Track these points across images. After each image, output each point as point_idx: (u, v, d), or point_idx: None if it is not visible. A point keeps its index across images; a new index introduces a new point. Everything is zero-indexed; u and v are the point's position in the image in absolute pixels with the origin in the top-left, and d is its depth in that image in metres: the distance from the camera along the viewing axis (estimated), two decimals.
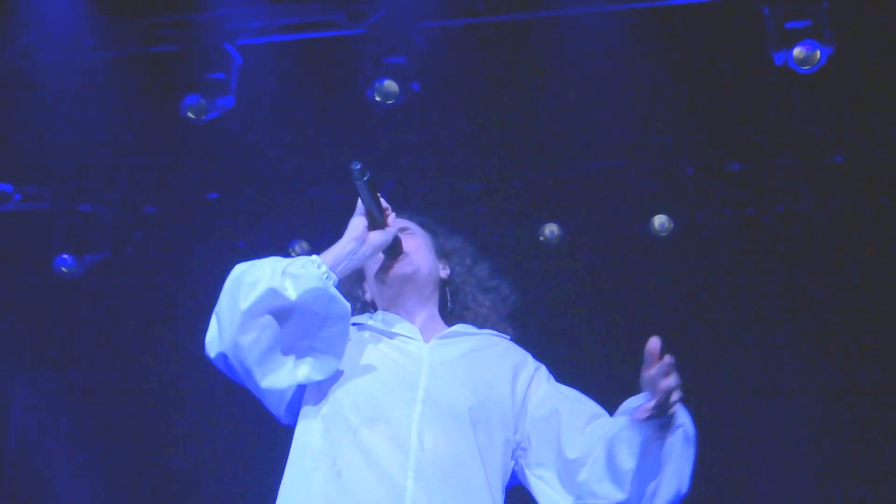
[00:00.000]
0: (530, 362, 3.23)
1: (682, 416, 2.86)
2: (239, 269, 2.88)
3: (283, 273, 2.81)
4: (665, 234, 6.72)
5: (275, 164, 6.72)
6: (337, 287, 2.88)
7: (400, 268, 3.19)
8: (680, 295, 6.88)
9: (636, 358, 6.92)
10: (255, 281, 2.80)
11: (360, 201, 3.02)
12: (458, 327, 3.26)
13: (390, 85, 5.71)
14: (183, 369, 6.78)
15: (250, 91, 6.11)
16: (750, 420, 6.72)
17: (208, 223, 7.12)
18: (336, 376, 2.96)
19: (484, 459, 2.93)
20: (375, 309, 3.30)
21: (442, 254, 3.40)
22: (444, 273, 3.36)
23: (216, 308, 2.89)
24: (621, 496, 2.86)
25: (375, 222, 3.02)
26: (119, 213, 7.13)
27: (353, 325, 3.13)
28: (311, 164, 6.71)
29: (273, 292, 2.77)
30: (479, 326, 3.31)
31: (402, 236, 3.23)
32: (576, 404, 3.12)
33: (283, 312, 2.79)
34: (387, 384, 2.97)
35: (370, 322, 3.20)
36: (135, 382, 7.33)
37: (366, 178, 2.94)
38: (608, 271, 6.98)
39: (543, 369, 3.25)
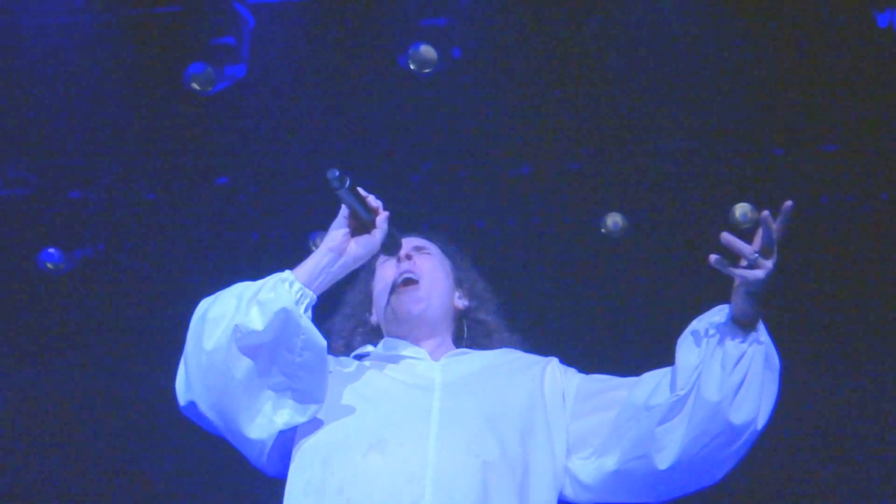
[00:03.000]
0: (555, 363, 3.32)
1: (766, 336, 3.02)
2: (203, 305, 2.97)
3: (250, 301, 2.87)
4: (748, 225, 6.64)
5: (293, 143, 6.70)
6: (315, 306, 2.97)
7: (408, 304, 3.30)
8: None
9: None
10: (218, 317, 2.88)
11: (342, 208, 3.11)
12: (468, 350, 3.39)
13: (427, 51, 5.72)
14: None
15: (264, 58, 6.11)
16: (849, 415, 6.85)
17: (216, 212, 7.11)
18: (338, 404, 3.04)
19: (513, 474, 2.95)
20: (379, 337, 3.43)
21: (459, 282, 3.53)
22: (460, 303, 3.49)
23: (184, 351, 2.99)
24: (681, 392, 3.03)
25: (363, 224, 3.11)
26: (113, 201, 7.11)
27: (355, 357, 3.33)
28: (335, 142, 6.69)
29: (238, 328, 2.84)
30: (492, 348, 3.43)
31: (417, 255, 3.38)
32: (617, 379, 3.29)
33: (253, 349, 2.86)
34: (397, 405, 3.04)
35: (371, 350, 3.35)
36: (126, 391, 7.35)
37: (347, 187, 3.02)
38: (680, 269, 6.92)
39: (572, 369, 3.33)
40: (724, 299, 6.63)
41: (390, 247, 3.20)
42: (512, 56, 6.20)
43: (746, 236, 6.54)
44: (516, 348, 3.43)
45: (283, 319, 2.84)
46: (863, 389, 6.87)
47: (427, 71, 5.74)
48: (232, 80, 5.95)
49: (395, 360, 3.24)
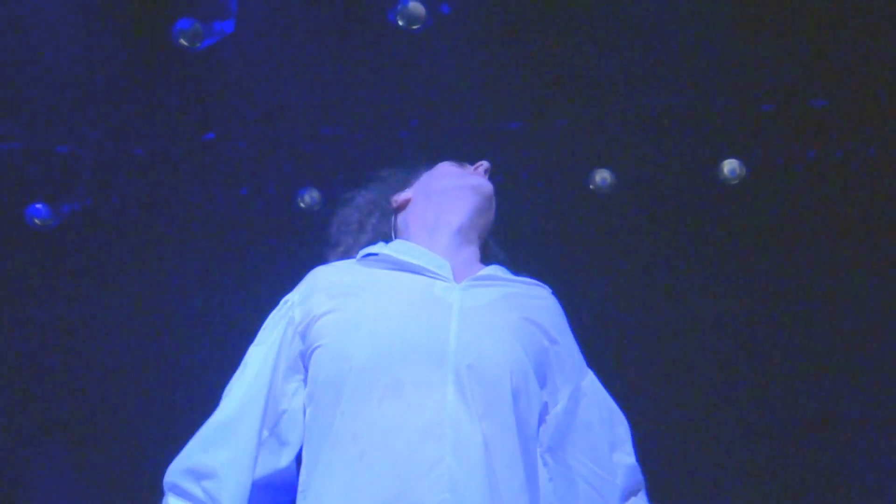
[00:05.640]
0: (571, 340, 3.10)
1: None
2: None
3: None
4: (736, 181, 6.68)
5: (282, 98, 6.69)
6: None
7: (482, 179, 3.26)
8: (753, 252, 6.87)
9: (698, 320, 7.01)
10: None
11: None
12: (493, 269, 3.10)
13: (416, 7, 5.68)
14: (174, 339, 6.80)
15: (253, 13, 6.08)
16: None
17: (205, 167, 7.09)
18: (348, 332, 2.81)
19: (521, 431, 2.76)
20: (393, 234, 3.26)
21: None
22: (490, 243, 3.36)
23: None
24: None
25: None
26: (101, 156, 7.10)
27: (366, 255, 3.07)
28: (324, 98, 6.67)
29: None
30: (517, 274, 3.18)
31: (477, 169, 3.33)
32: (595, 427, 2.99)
33: None
34: (411, 338, 2.76)
35: (387, 251, 3.05)
36: (116, 347, 7.35)
37: None
38: (668, 225, 6.96)
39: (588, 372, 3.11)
40: (711, 251, 6.69)
41: None
42: (500, 12, 6.18)
43: (734, 192, 6.66)
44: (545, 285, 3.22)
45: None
46: (845, 337, 6.91)
47: (416, 27, 5.70)
48: (220, 35, 5.90)
49: (413, 270, 2.97)
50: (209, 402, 3.02)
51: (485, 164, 3.35)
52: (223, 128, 6.99)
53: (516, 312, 2.95)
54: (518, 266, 3.21)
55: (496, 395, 2.73)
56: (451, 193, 3.19)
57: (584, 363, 3.08)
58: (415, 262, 2.97)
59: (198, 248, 6.99)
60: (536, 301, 3.08)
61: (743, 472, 6.80)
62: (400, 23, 5.71)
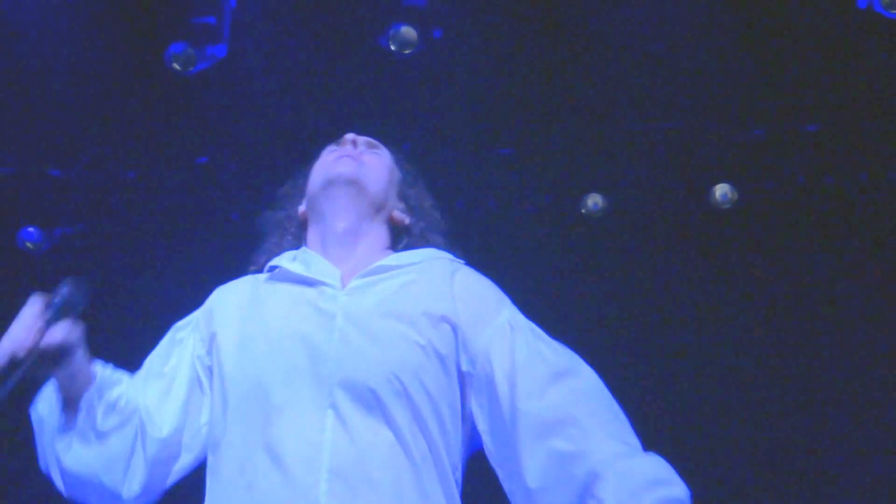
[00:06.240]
0: (469, 281, 2.92)
1: None
2: None
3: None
4: (728, 205, 6.69)
5: (273, 122, 6.69)
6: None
7: (339, 165, 3.02)
8: (745, 275, 6.88)
9: (691, 342, 7.01)
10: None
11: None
12: (389, 259, 2.95)
13: (408, 32, 5.70)
14: None
15: (245, 38, 6.09)
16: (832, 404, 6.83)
17: (197, 191, 7.10)
18: (237, 355, 2.77)
19: (413, 443, 2.63)
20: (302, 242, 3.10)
21: (404, 196, 3.17)
22: (399, 216, 3.10)
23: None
24: None
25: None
26: (94, 179, 7.11)
27: (272, 267, 2.99)
28: (316, 123, 6.67)
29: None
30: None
31: (365, 149, 3.11)
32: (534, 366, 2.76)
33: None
34: (293, 359, 2.69)
35: (285, 264, 2.95)
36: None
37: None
38: (660, 249, 6.97)
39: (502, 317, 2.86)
40: (706, 277, 6.71)
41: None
42: (492, 37, 6.19)
43: (726, 216, 6.67)
44: (447, 253, 3.04)
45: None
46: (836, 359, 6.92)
47: (408, 51, 5.71)
48: (213, 59, 5.90)
49: (303, 280, 2.88)
50: None
51: (348, 136, 3.16)
52: (216, 151, 6.99)
53: (405, 305, 2.79)
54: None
55: (374, 408, 2.63)
56: (318, 196, 3.03)
57: (500, 311, 2.87)
58: (304, 273, 2.90)
59: (190, 271, 6.98)
60: (432, 281, 2.88)
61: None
62: (392, 47, 5.72)
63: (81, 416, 2.75)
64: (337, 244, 2.97)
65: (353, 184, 3.00)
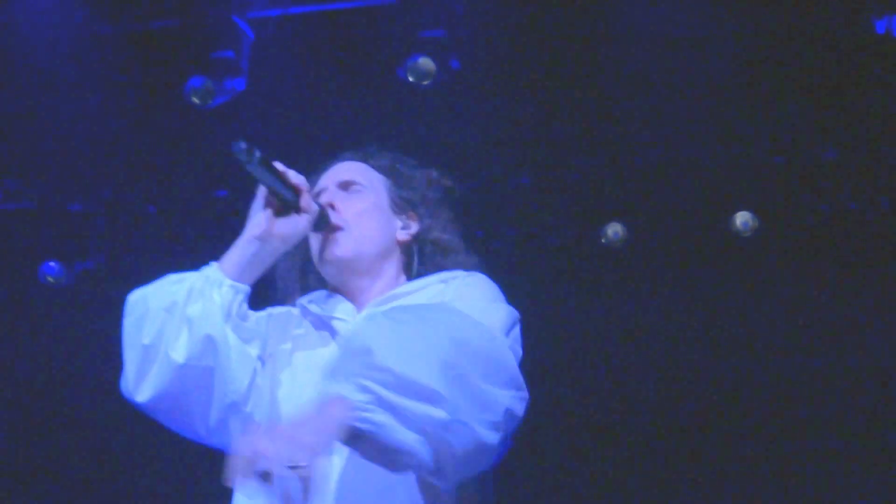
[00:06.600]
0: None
1: None
2: (134, 307, 2.87)
3: (179, 322, 2.76)
4: (749, 233, 6.67)
5: (292, 155, 6.66)
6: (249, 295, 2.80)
7: (332, 252, 2.94)
8: (767, 304, 6.86)
9: (712, 370, 6.99)
10: (149, 334, 2.78)
11: (259, 187, 2.86)
12: (404, 287, 2.97)
13: (426, 63, 5.68)
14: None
15: (264, 72, 6.08)
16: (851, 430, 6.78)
17: (217, 224, 7.09)
18: (270, 394, 2.83)
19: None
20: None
21: (404, 205, 3.13)
22: (404, 234, 3.08)
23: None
24: None
25: (286, 204, 2.83)
26: (114, 214, 7.13)
27: (298, 305, 3.04)
28: (335, 154, 6.67)
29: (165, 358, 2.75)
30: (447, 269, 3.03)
31: (342, 197, 3.01)
32: None
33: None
34: (316, 388, 2.64)
35: (309, 305, 2.99)
36: (128, 408, 7.34)
37: (257, 159, 2.72)
38: (681, 278, 6.95)
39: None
40: (724, 304, 6.71)
41: (321, 223, 2.91)
42: (510, 67, 6.20)
43: (748, 244, 6.65)
44: (460, 270, 3.02)
45: (207, 348, 2.73)
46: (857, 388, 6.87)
47: (426, 82, 5.70)
48: (231, 93, 5.89)
49: (323, 318, 2.94)
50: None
51: (320, 184, 3.11)
52: (235, 185, 7.00)
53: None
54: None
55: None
56: (321, 270, 3.04)
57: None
58: (320, 312, 2.96)
59: None
60: (433, 298, 2.90)
61: None
62: (410, 78, 5.71)
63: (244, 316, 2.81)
64: (351, 285, 2.98)
65: (350, 261, 2.97)
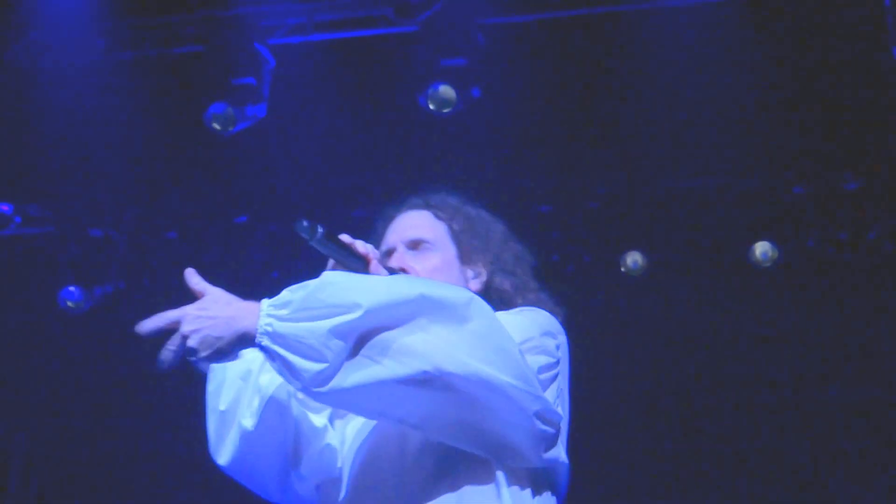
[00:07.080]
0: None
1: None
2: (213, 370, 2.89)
3: (254, 385, 2.83)
4: (768, 263, 6.65)
5: (313, 182, 6.71)
6: None
7: None
8: (786, 335, 6.83)
9: (733, 399, 6.95)
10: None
11: (329, 261, 2.88)
12: None
13: (446, 91, 5.67)
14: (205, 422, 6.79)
15: (285, 98, 6.10)
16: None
17: (237, 250, 7.13)
18: (346, 445, 2.88)
19: None
20: None
21: (472, 254, 3.07)
22: (476, 283, 3.04)
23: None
24: None
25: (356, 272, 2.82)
26: (134, 239, 7.15)
27: None
28: (355, 182, 6.69)
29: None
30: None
31: (412, 257, 2.99)
32: None
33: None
34: (380, 484, 2.78)
35: None
36: (151, 433, 7.36)
37: (320, 234, 2.76)
38: (700, 308, 6.93)
39: None
40: (744, 334, 6.68)
41: None
42: (531, 96, 6.20)
43: (767, 274, 6.63)
44: (534, 306, 2.98)
45: (273, 416, 2.81)
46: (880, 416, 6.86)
47: (447, 111, 5.69)
48: (253, 119, 5.88)
49: None
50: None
51: (388, 244, 3.08)
52: (255, 211, 7.02)
53: None
54: None
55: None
56: None
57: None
58: None
59: None
60: None
61: None
62: (431, 106, 5.70)
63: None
64: None
65: None
